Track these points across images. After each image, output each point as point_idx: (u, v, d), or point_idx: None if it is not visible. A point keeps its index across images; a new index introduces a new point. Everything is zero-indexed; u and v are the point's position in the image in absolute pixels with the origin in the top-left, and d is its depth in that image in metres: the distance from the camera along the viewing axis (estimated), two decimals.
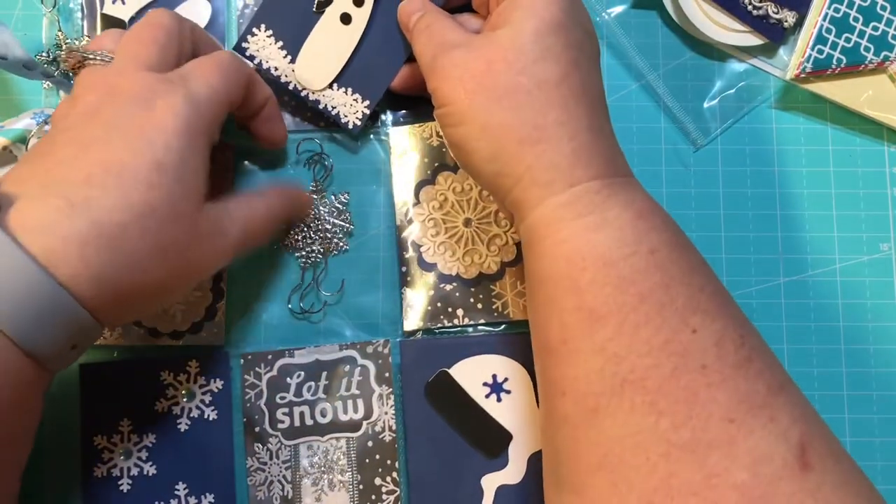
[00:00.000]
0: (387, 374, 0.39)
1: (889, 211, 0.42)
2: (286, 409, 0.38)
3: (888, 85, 0.41)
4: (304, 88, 0.39)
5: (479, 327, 0.40)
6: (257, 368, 0.38)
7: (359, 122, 0.39)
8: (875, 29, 0.40)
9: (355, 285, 0.40)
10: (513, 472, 0.38)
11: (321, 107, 0.39)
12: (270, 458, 0.38)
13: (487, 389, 0.39)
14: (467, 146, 0.32)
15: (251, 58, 0.39)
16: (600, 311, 0.28)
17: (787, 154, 0.42)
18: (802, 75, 0.41)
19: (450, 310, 0.39)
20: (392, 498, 0.38)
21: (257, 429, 0.38)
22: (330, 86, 0.39)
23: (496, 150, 0.31)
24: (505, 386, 0.39)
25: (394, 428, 0.38)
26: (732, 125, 0.42)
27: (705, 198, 0.42)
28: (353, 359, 0.39)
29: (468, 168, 0.34)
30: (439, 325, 0.39)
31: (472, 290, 0.40)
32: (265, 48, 0.39)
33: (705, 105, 0.42)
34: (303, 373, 0.39)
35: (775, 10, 0.41)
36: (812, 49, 0.40)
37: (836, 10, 0.40)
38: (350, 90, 0.39)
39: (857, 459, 0.40)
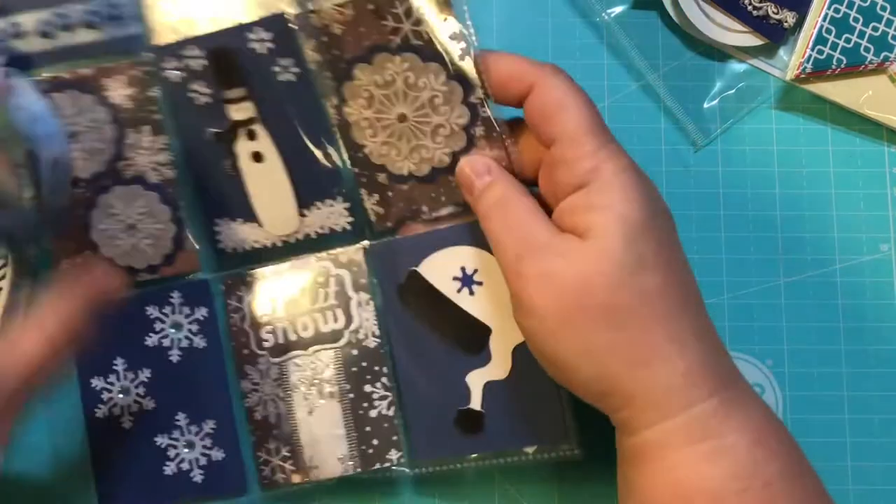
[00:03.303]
0: (362, 281, 0.38)
1: (889, 211, 0.42)
2: (269, 328, 0.38)
3: (888, 85, 0.41)
4: (291, 235, 0.38)
5: (445, 220, 0.37)
6: (238, 292, 0.38)
7: (351, 219, 0.38)
8: (875, 29, 0.40)
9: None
10: (497, 367, 0.36)
11: (315, 237, 0.38)
12: (262, 378, 0.38)
13: (458, 284, 0.37)
14: (566, 364, 0.30)
15: (227, 251, 0.38)
16: None
17: (786, 154, 0.42)
18: (802, 76, 0.41)
19: (414, 207, 0.37)
20: (385, 403, 0.37)
21: (246, 351, 0.38)
22: (302, 214, 0.38)
23: (601, 373, 0.29)
24: (475, 277, 0.37)
25: (377, 333, 0.37)
26: (732, 126, 0.42)
27: (705, 198, 0.42)
28: (326, 270, 0.38)
29: (566, 383, 0.31)
30: (405, 221, 0.37)
31: (431, 185, 0.37)
32: (236, 233, 0.38)
33: (705, 105, 0.42)
34: (280, 290, 0.38)
35: (775, 11, 0.41)
36: (812, 49, 0.40)
37: (836, 11, 0.40)
38: (319, 203, 0.38)
39: (857, 460, 0.40)
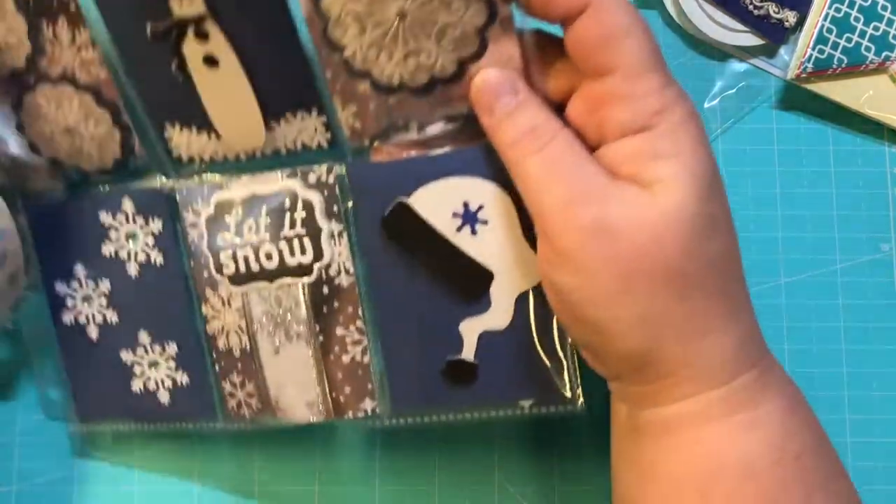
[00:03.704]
0: (335, 209, 0.32)
1: (889, 211, 0.42)
2: (229, 252, 0.33)
3: (889, 85, 0.41)
4: (255, 150, 0.32)
5: (444, 143, 0.31)
6: (194, 205, 0.33)
7: (329, 136, 0.32)
8: (876, 29, 0.40)
9: None
10: (497, 316, 0.32)
11: (285, 153, 0.32)
12: (223, 306, 0.34)
13: (458, 221, 0.31)
14: (610, 333, 0.26)
15: (191, 160, 0.33)
16: None
17: (787, 154, 0.42)
18: (803, 75, 0.41)
19: (400, 122, 0.31)
20: (359, 349, 0.33)
21: (206, 273, 0.34)
22: (269, 128, 0.32)
23: (651, 345, 0.26)
24: (480, 215, 0.31)
25: (351, 271, 0.33)
26: (733, 125, 0.42)
27: None
28: (293, 191, 0.32)
29: (596, 350, 0.27)
30: (390, 139, 0.31)
31: (426, 98, 0.30)
32: (191, 143, 0.32)
33: (706, 105, 0.42)
34: (240, 209, 0.33)
35: (776, 10, 0.41)
36: (813, 49, 0.40)
37: (837, 10, 0.40)
38: (290, 115, 0.32)
39: (857, 460, 0.40)
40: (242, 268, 0.33)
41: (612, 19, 0.26)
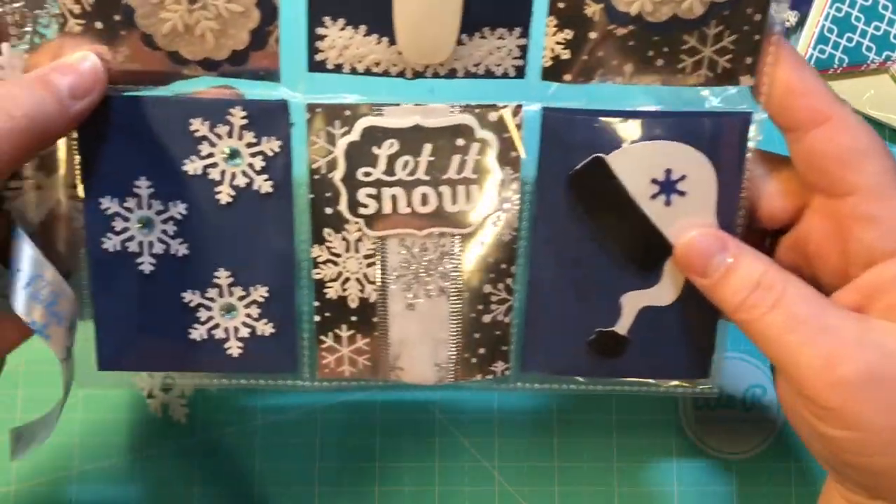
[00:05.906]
0: (513, 154, 0.29)
1: None
2: (372, 190, 0.29)
3: (890, 85, 0.41)
4: (426, 67, 0.28)
5: (649, 101, 0.29)
6: (330, 128, 0.28)
7: (521, 63, 0.28)
8: (877, 29, 0.40)
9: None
10: (663, 292, 0.30)
11: (463, 75, 0.28)
12: (346, 251, 0.30)
13: (655, 188, 0.29)
14: (887, 475, 0.25)
15: (338, 68, 0.28)
16: None
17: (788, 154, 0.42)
18: None
19: (614, 62, 0.27)
20: (503, 308, 0.30)
21: (329, 210, 0.29)
22: (460, 42, 0.27)
23: None
24: (679, 186, 0.29)
25: (516, 226, 0.29)
26: None
27: None
28: (468, 129, 0.28)
29: (864, 484, 0.26)
30: (593, 78, 0.28)
31: (656, 38, 0.27)
32: (348, 47, 0.27)
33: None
34: (397, 142, 0.29)
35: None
36: (814, 49, 0.40)
37: (838, 10, 0.40)
38: (488, 30, 0.27)
39: None
40: (387, 209, 0.29)
41: (854, 138, 0.26)
